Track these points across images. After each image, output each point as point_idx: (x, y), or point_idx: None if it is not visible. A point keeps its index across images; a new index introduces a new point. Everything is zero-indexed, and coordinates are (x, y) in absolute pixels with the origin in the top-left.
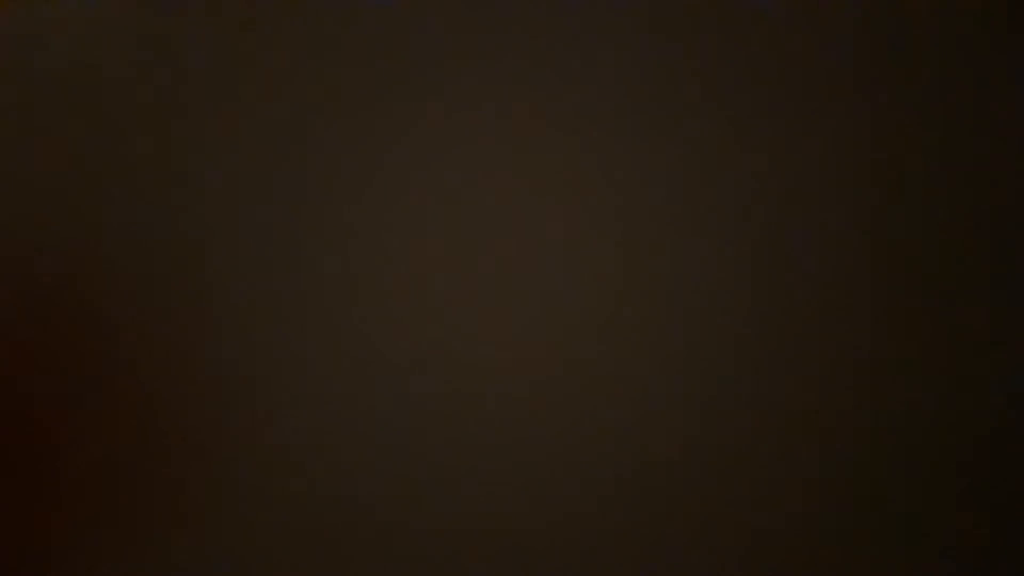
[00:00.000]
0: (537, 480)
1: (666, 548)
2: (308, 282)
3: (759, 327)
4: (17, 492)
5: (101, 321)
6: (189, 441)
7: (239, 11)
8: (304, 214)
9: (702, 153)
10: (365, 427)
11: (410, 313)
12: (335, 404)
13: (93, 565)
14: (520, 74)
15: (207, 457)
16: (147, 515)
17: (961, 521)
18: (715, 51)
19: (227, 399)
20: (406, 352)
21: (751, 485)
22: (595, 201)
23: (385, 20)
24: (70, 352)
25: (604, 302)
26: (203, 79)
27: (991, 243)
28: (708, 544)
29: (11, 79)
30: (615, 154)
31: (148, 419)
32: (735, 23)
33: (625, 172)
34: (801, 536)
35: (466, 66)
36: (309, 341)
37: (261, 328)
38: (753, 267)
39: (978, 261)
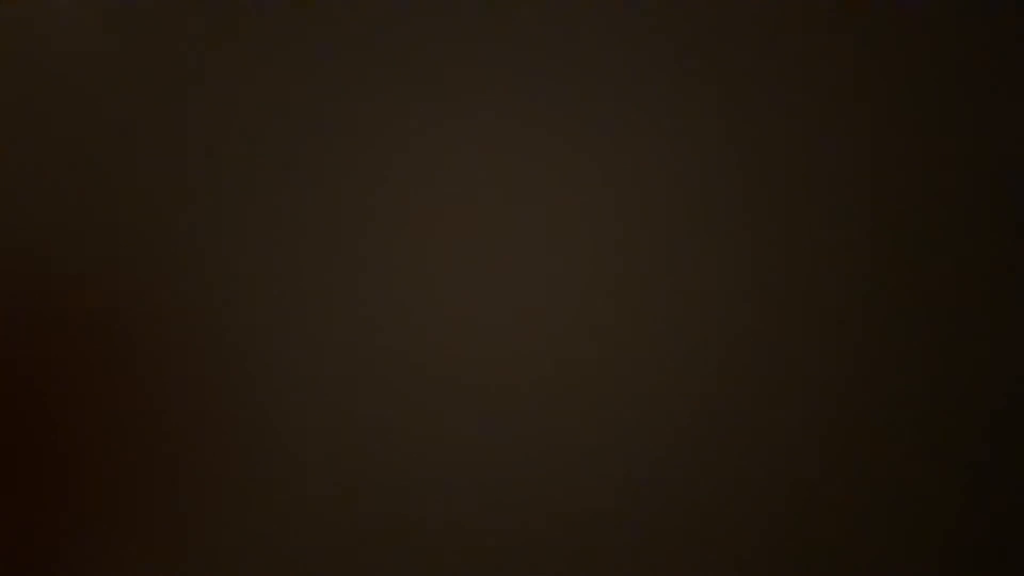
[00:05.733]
0: (538, 479)
1: (666, 546)
2: (312, 282)
3: (758, 326)
4: (20, 490)
5: (107, 320)
6: (194, 440)
7: (247, 8)
8: (311, 212)
9: (704, 153)
10: (369, 426)
11: (412, 314)
12: (339, 402)
13: (96, 563)
14: (528, 76)
15: (212, 456)
16: (150, 513)
17: (961, 521)
18: (712, 50)
19: (233, 398)
20: (409, 351)
21: (751, 483)
22: (598, 202)
23: (393, 20)
24: (76, 350)
25: (606, 301)
26: (210, 79)
27: (991, 243)
28: (708, 542)
29: (15, 77)
30: (619, 155)
31: (153, 418)
32: (732, 21)
33: (627, 173)
34: (801, 535)
35: (471, 67)
36: (315, 341)
37: (267, 328)
38: (753, 266)
39: (978, 261)
